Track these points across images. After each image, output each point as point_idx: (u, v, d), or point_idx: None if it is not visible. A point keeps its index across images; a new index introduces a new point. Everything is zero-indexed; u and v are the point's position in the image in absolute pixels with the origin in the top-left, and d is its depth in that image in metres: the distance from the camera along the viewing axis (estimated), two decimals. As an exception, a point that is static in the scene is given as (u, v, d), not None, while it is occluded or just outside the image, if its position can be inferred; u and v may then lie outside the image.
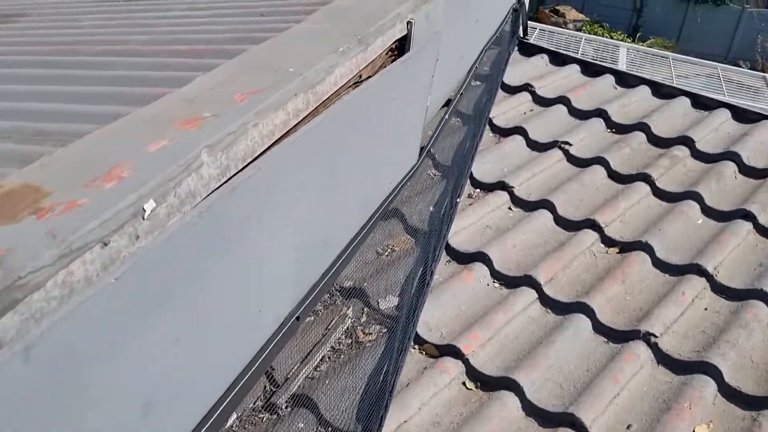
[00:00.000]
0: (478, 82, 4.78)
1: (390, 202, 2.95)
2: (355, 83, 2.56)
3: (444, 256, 3.72)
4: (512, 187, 4.01)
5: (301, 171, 2.15)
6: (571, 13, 17.59)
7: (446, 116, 4.11)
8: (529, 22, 5.90)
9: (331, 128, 2.25)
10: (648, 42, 16.83)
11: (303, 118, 2.15)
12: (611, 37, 15.71)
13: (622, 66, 8.93)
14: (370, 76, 2.70)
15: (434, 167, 4.27)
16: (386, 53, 2.82)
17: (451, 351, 3.16)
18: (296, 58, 2.24)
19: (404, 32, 2.90)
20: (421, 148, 3.89)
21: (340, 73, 2.30)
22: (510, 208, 3.99)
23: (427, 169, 4.26)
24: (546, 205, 3.91)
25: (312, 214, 2.30)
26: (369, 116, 2.52)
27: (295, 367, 3.20)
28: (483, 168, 4.18)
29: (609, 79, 4.95)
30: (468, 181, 4.10)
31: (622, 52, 9.48)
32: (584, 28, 16.81)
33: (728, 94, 8.75)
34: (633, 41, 15.52)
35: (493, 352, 3.21)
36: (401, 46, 2.96)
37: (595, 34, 16.11)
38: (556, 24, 16.14)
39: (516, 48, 5.12)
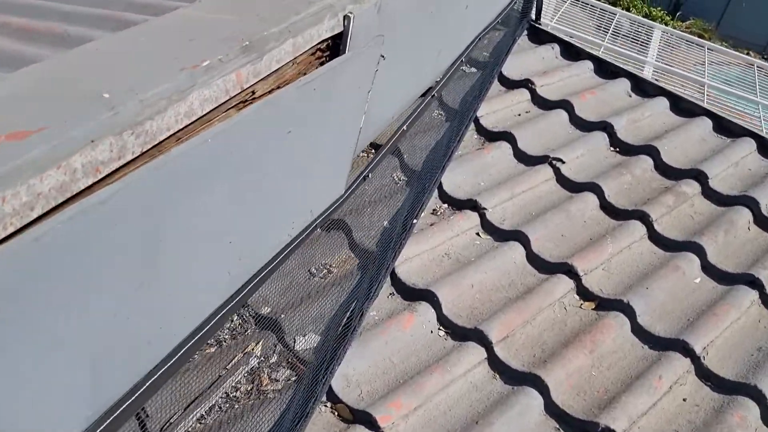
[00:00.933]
0: (473, 69, 3.97)
1: (304, 238, 2.24)
2: (245, 101, 1.82)
3: (387, 287, 3.02)
4: (484, 208, 3.29)
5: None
6: (614, -19, 16.11)
7: (422, 106, 3.33)
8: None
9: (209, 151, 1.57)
10: (687, 23, 15.40)
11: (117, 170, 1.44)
12: (649, 13, 14.40)
13: (653, 49, 7.95)
14: (276, 88, 1.95)
15: (401, 170, 3.53)
16: (308, 56, 2.05)
17: (365, 419, 2.49)
18: (125, 74, 1.51)
19: (337, 30, 2.12)
20: (386, 143, 3.15)
21: (191, 105, 1.56)
22: (478, 234, 3.27)
23: (393, 172, 3.52)
24: (520, 237, 3.19)
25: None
26: (263, 143, 1.78)
27: (175, 416, 2.54)
28: (456, 179, 3.44)
29: (624, 84, 4.12)
30: (435, 193, 3.36)
31: (655, 35, 8.46)
32: (623, -1, 15.41)
33: (761, 95, 7.76)
34: (672, 19, 14.20)
35: (417, 426, 2.54)
36: (335, 45, 2.18)
37: (635, 7, 14.76)
38: (595, -9, 14.80)
39: (525, 33, 4.27)
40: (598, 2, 8.68)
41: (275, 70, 1.92)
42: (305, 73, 2.13)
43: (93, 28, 1.98)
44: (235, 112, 1.85)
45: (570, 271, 3.06)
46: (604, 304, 2.98)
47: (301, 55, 2.03)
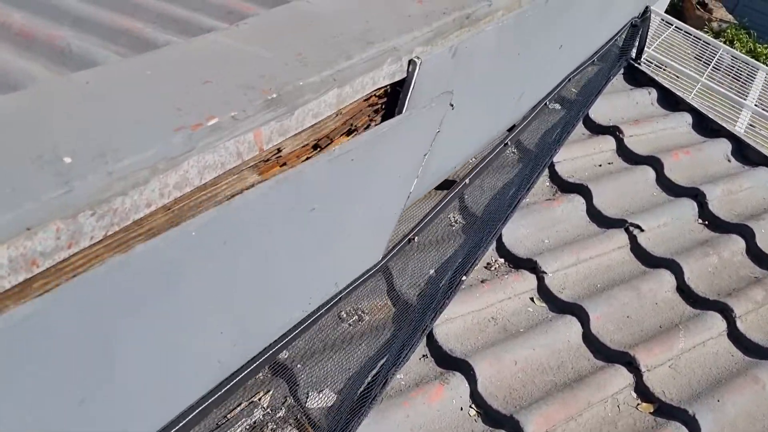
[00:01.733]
0: (557, 106, 3.48)
1: (324, 312, 1.85)
2: (267, 160, 1.43)
3: (421, 349, 2.61)
4: (544, 271, 2.83)
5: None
6: (720, 12, 14.80)
7: (492, 155, 2.89)
8: (668, 15, 4.41)
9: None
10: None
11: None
12: (754, 49, 13.21)
13: (753, 94, 7.16)
14: (312, 144, 1.54)
15: (459, 211, 3.10)
16: (358, 103, 1.64)
17: None
18: (103, 127, 1.14)
19: (399, 77, 1.70)
20: (452, 181, 2.73)
21: (186, 174, 1.18)
22: (532, 300, 2.82)
23: (450, 212, 3.08)
24: (579, 312, 2.72)
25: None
26: (273, 225, 1.39)
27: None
28: (518, 231, 2.99)
29: (724, 145, 3.56)
30: (494, 245, 2.91)
31: (759, 76, 7.63)
32: (729, 31, 14.13)
33: None
34: (781, 60, 13.02)
35: None
36: (396, 92, 1.76)
37: (739, 41, 13.57)
38: (700, 19, 13.66)
39: (621, 71, 3.74)
40: (701, 33, 7.90)
41: (311, 125, 1.51)
42: (352, 124, 1.71)
43: (103, 42, 1.62)
44: (252, 174, 1.46)
45: (630, 364, 2.59)
46: (665, 410, 2.51)
47: (347, 105, 1.61)
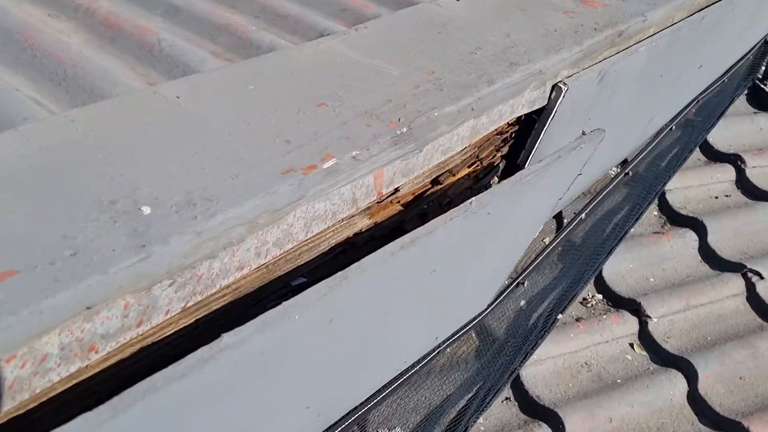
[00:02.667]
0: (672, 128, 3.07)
1: (419, 369, 1.56)
2: (380, 201, 1.12)
3: (505, 392, 2.30)
4: (648, 315, 2.47)
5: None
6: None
7: (619, 175, 2.53)
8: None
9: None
10: None
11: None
12: None
13: None
14: (430, 183, 1.23)
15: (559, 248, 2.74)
16: (488, 135, 1.33)
17: None
18: (191, 167, 0.85)
19: (539, 104, 1.37)
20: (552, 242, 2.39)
21: (289, 228, 0.89)
22: (632, 346, 2.46)
23: (546, 235, 2.74)
24: (685, 367, 2.37)
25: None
26: (384, 291, 1.09)
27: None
28: (621, 266, 2.63)
29: None
30: (591, 282, 2.57)
31: None
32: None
33: None
34: None
35: None
36: (529, 122, 1.44)
37: None
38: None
39: (745, 92, 3.30)
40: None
41: (437, 163, 1.20)
42: (478, 156, 1.39)
43: (199, 39, 1.33)
44: (362, 218, 1.16)
45: (742, 438, 2.23)
46: (778, 496, 2.14)
47: (479, 138, 1.29)
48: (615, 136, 2.06)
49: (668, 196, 2.90)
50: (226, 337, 0.81)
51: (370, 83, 1.19)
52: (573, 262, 2.58)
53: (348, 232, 1.19)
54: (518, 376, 2.30)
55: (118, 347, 0.82)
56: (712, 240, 2.78)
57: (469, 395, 2.22)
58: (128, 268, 0.78)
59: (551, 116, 1.48)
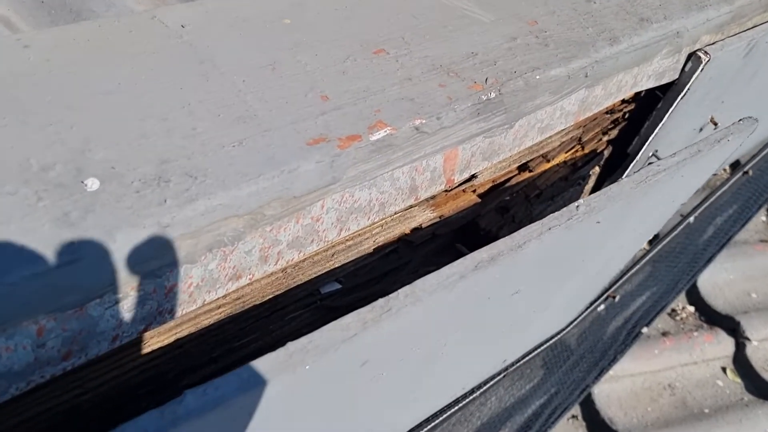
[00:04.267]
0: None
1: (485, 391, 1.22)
2: (449, 190, 0.77)
3: (574, 410, 1.95)
4: (747, 337, 2.06)
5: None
6: None
7: (737, 173, 2.10)
8: None
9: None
10: None
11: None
12: None
13: None
14: (515, 172, 0.88)
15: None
16: (603, 117, 0.96)
17: None
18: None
19: (668, 77, 0.99)
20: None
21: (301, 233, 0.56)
22: (725, 371, 2.07)
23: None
24: (790, 403, 1.95)
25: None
26: (455, 317, 0.75)
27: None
28: (719, 276, 2.22)
29: None
30: (683, 293, 2.16)
31: None
32: None
33: None
34: None
35: None
36: (649, 100, 1.06)
37: None
38: None
39: None
40: None
41: (531, 145, 0.84)
42: (580, 139, 1.02)
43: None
44: (424, 210, 0.81)
45: None
46: None
47: (587, 117, 0.92)
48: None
49: (781, 201, 2.43)
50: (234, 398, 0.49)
51: (450, 29, 0.84)
52: (667, 268, 2.17)
53: (403, 228, 0.85)
54: (590, 394, 1.94)
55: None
56: (830, 256, 2.32)
57: (532, 410, 1.87)
58: (39, 278, 0.47)
59: (682, 94, 1.09)
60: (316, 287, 0.83)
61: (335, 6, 0.83)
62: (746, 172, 1.98)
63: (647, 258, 1.90)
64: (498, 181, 0.99)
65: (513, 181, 1.03)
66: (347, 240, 0.78)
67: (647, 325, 2.01)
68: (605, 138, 1.17)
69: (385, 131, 0.66)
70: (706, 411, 1.96)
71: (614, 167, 1.25)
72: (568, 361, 1.91)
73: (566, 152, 1.11)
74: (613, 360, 1.94)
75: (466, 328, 0.79)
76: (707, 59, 1.07)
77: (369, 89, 0.70)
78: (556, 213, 0.74)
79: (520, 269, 0.74)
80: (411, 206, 0.83)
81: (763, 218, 2.44)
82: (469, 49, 0.81)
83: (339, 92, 0.69)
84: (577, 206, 0.76)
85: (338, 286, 0.85)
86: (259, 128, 0.63)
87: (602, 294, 1.63)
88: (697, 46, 1.08)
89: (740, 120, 1.01)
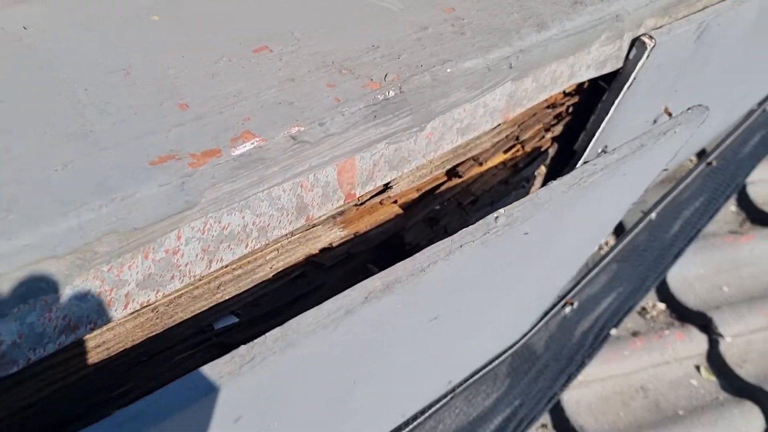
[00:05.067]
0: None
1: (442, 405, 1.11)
2: (361, 203, 0.66)
3: (544, 419, 1.85)
4: (720, 333, 1.96)
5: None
6: None
7: (698, 166, 2.01)
8: None
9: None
10: None
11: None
12: None
13: None
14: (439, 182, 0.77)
15: (613, 231, 2.25)
16: (538, 106, 0.85)
17: None
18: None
19: (611, 66, 0.88)
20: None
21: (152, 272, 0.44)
22: (698, 370, 1.97)
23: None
24: (763, 400, 1.87)
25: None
26: (378, 339, 0.63)
27: None
28: (689, 271, 2.12)
29: None
30: (653, 290, 2.08)
31: None
32: None
33: None
34: None
35: None
36: (593, 92, 0.95)
37: None
38: None
39: None
40: None
41: (454, 148, 0.73)
42: (518, 138, 0.92)
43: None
44: (330, 228, 0.70)
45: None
46: None
47: (520, 113, 0.81)
48: (723, 106, 1.54)
49: (749, 190, 2.35)
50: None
51: (352, 20, 0.72)
52: (634, 266, 2.08)
53: (306, 250, 0.74)
54: (559, 401, 1.84)
55: None
56: (802, 245, 2.23)
57: (497, 422, 1.76)
58: None
59: (628, 83, 0.99)
60: (208, 323, 0.71)
61: (216, -2, 0.71)
62: (710, 163, 1.88)
63: (609, 258, 1.80)
64: (424, 190, 0.88)
65: (443, 188, 0.91)
66: (234, 269, 0.66)
67: (616, 326, 1.91)
68: (549, 135, 1.06)
69: (252, 143, 0.54)
70: (681, 413, 1.87)
71: (562, 166, 1.14)
72: (534, 368, 1.80)
73: (505, 152, 1.00)
74: (581, 365, 1.84)
75: (376, 362, 0.68)
76: (652, 44, 0.96)
77: (241, 94, 0.59)
78: (470, 227, 0.62)
79: (431, 294, 0.63)
80: (312, 225, 0.72)
81: (733, 208, 2.35)
82: (370, 42, 0.69)
83: (203, 99, 0.58)
84: (496, 217, 0.64)
85: (235, 319, 0.73)
86: (94, 146, 0.51)
87: (559, 301, 1.53)
88: (642, 31, 0.98)
89: (689, 109, 0.90)
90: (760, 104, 2.10)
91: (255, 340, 0.49)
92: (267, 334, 0.49)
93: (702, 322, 2.03)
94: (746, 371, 1.96)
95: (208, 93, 0.58)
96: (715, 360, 2.00)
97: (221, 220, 0.55)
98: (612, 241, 2.19)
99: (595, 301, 1.99)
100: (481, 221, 0.63)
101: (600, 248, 2.19)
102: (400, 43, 0.70)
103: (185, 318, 0.66)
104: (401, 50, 0.69)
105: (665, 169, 0.98)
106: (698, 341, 2.01)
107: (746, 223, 2.31)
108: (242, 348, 0.48)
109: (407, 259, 0.58)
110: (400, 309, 0.59)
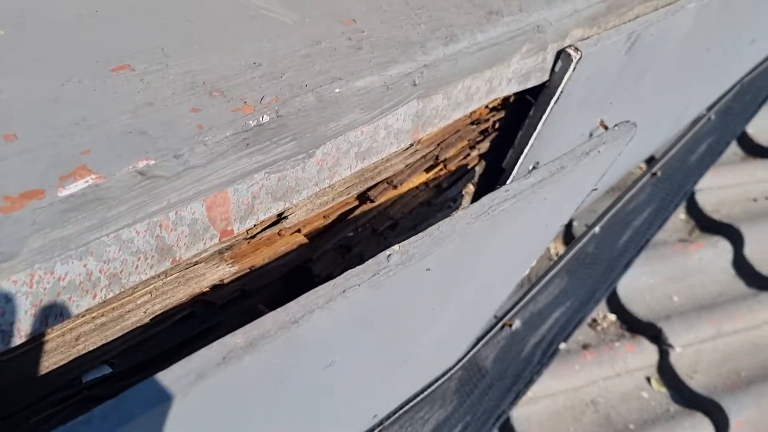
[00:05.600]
0: (703, 115, 2.48)
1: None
2: (252, 237, 0.58)
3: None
4: (670, 344, 1.92)
5: None
6: None
7: (644, 176, 1.97)
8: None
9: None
10: None
11: None
12: None
13: None
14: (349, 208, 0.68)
15: (563, 241, 2.21)
16: (459, 122, 0.77)
17: None
18: None
19: (536, 80, 0.81)
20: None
21: None
22: (649, 382, 1.93)
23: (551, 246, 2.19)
24: (713, 411, 1.85)
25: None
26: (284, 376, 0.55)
27: None
28: (639, 281, 2.08)
29: None
30: (604, 301, 2.03)
31: None
32: None
33: None
34: None
35: None
36: (521, 106, 0.88)
37: None
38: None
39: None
40: None
41: (353, 173, 0.65)
42: (437, 158, 0.85)
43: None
44: (216, 264, 0.61)
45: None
46: None
47: (435, 133, 0.74)
48: (642, 127, 1.49)
49: (698, 197, 2.32)
50: None
51: (235, 34, 0.64)
52: (583, 277, 2.03)
53: (190, 290, 0.65)
54: (508, 418, 1.78)
55: None
56: (750, 251, 2.20)
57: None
58: None
59: (555, 97, 0.92)
60: (75, 375, 0.63)
61: (80, 10, 0.63)
62: (654, 173, 1.84)
63: (555, 271, 1.74)
64: (333, 216, 0.80)
65: (356, 213, 0.84)
66: (95, 317, 0.58)
67: (565, 340, 1.86)
68: (474, 152, 0.99)
69: (87, 181, 0.46)
70: (632, 427, 1.82)
71: (492, 183, 1.08)
72: (480, 386, 1.74)
73: (426, 171, 0.93)
74: (530, 381, 1.78)
75: (265, 413, 0.60)
76: (579, 56, 0.90)
77: (85, 121, 0.50)
78: (357, 268, 0.55)
79: (315, 343, 0.55)
80: (194, 263, 0.63)
81: (682, 216, 2.32)
82: (252, 59, 0.61)
83: (37, 128, 0.49)
84: (388, 255, 0.57)
85: (108, 369, 0.64)
86: None
87: (495, 324, 1.46)
88: (568, 42, 0.91)
89: (615, 126, 0.84)
90: (709, 109, 2.07)
91: (79, 418, 0.40)
92: (93, 411, 0.40)
93: (652, 333, 1.99)
94: (696, 382, 1.93)
95: (44, 121, 0.50)
96: (666, 371, 1.96)
97: (55, 270, 0.46)
98: (561, 249, 2.14)
99: (543, 315, 1.93)
100: (371, 260, 0.56)
101: (549, 258, 2.14)
102: (286, 59, 0.62)
103: (42, 373, 0.57)
104: (286, 68, 0.61)
105: (595, 189, 0.93)
106: (649, 352, 1.97)
107: (695, 231, 2.28)
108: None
109: (278, 309, 0.50)
110: (274, 365, 0.51)
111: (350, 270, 0.54)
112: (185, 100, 0.54)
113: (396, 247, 0.57)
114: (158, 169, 0.49)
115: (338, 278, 0.53)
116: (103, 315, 0.58)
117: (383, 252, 0.56)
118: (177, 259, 0.55)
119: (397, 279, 0.58)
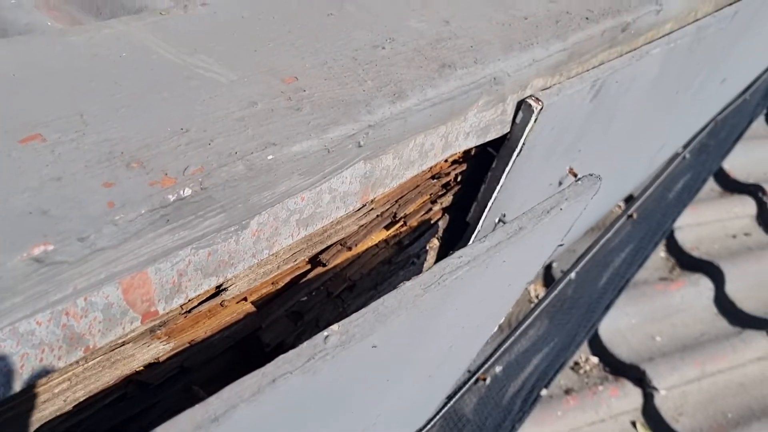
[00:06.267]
0: (681, 152, 2.46)
1: None
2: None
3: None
4: (654, 387, 1.86)
5: None
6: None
7: (621, 217, 1.92)
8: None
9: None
10: None
11: None
12: None
13: None
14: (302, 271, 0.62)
15: (543, 283, 2.16)
16: (417, 177, 0.72)
17: None
18: None
19: (495, 133, 0.76)
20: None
21: None
22: (635, 426, 1.86)
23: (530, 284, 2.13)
24: (701, 458, 1.75)
25: None
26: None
27: None
28: (621, 322, 2.03)
29: None
30: (585, 342, 1.97)
31: None
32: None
33: None
34: None
35: None
36: (484, 157, 0.83)
37: None
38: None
39: (765, 112, 2.67)
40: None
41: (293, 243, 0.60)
42: (395, 215, 0.79)
43: None
44: (147, 343, 0.55)
45: None
46: None
47: (389, 192, 0.69)
48: (616, 170, 1.45)
49: (677, 235, 2.28)
50: None
51: (165, 96, 0.60)
52: (563, 320, 1.97)
53: (118, 372, 0.59)
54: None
55: None
56: (731, 289, 2.16)
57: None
58: None
59: (518, 149, 0.88)
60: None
61: (17, 68, 0.58)
62: (630, 216, 1.80)
63: (534, 316, 1.68)
64: (282, 282, 0.75)
65: (310, 276, 0.78)
66: (3, 411, 0.52)
67: (546, 386, 1.79)
68: (437, 206, 0.94)
69: None
70: (614, 477, 1.75)
71: (458, 236, 1.02)
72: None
73: (386, 229, 0.87)
74: (512, 430, 1.71)
75: None
76: (540, 107, 0.85)
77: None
78: (290, 353, 0.49)
79: (263, 420, 0.49)
80: (120, 344, 0.57)
81: (662, 254, 2.27)
82: (180, 124, 0.56)
83: None
84: (326, 337, 0.51)
85: (26, 465, 0.58)
86: None
87: (471, 376, 1.40)
88: (529, 92, 0.87)
89: (578, 180, 0.79)
90: (685, 147, 2.04)
91: None
92: None
93: (636, 375, 1.93)
94: (683, 425, 1.86)
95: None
96: (651, 414, 1.89)
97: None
98: (542, 291, 2.09)
99: (523, 361, 1.87)
100: (305, 344, 0.50)
101: (529, 300, 2.09)
102: (217, 124, 0.57)
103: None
104: (216, 134, 0.56)
105: (561, 245, 0.87)
106: (633, 396, 1.91)
107: (676, 269, 2.24)
108: None
109: (196, 406, 0.44)
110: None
111: (282, 355, 0.48)
112: (98, 174, 0.49)
113: (335, 327, 0.52)
114: (58, 255, 0.44)
115: (267, 366, 0.47)
116: (12, 409, 0.52)
117: (320, 333, 0.50)
118: (90, 347, 0.49)
119: (338, 361, 0.52)
